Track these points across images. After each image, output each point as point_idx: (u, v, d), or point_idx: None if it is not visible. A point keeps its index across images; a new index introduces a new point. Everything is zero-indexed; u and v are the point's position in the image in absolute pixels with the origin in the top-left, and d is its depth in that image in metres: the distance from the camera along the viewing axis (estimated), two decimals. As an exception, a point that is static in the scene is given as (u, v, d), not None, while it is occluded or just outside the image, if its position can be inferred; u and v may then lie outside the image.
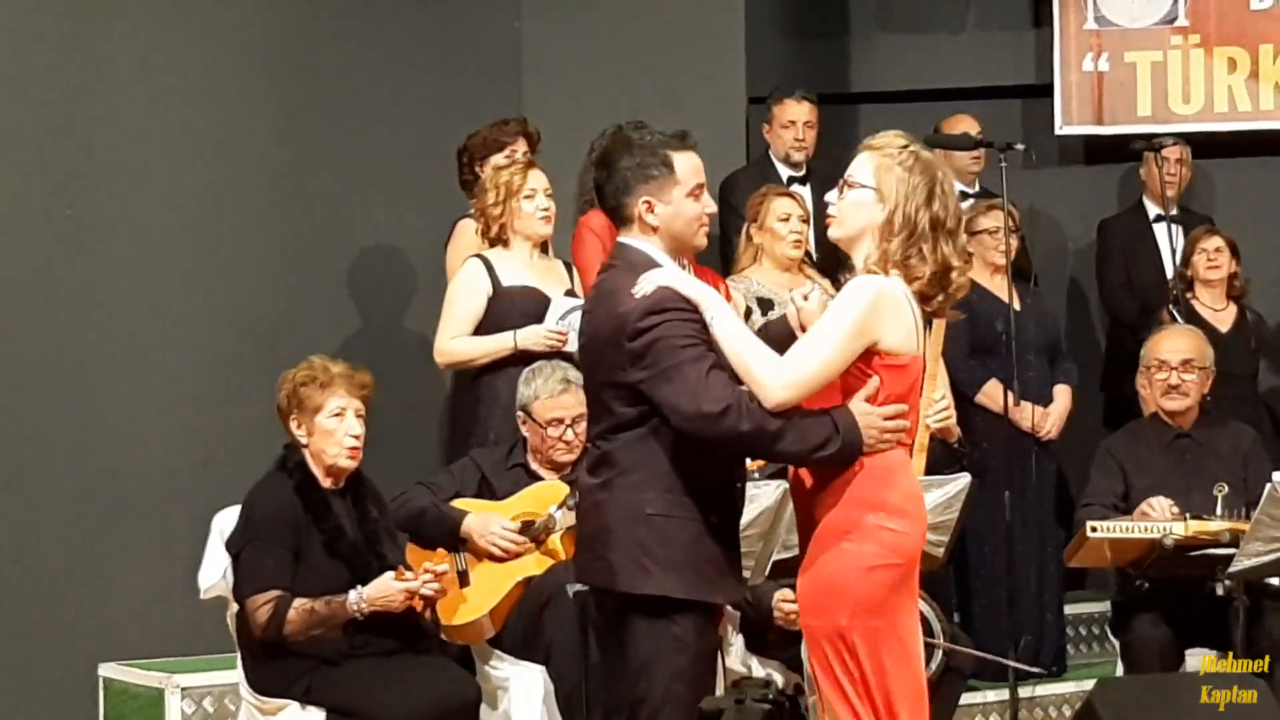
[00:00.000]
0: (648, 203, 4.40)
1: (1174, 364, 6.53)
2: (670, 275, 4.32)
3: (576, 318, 6.26)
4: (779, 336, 4.41)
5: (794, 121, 7.78)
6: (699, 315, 4.27)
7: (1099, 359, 8.39)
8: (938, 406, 6.33)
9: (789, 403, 4.21)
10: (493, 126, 7.06)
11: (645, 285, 4.29)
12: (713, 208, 4.51)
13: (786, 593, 5.80)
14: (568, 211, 6.83)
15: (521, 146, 7.00)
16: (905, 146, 4.36)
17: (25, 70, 6.75)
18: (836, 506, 4.28)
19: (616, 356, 4.31)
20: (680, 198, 4.41)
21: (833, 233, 4.49)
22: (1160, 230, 8.01)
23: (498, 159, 6.84)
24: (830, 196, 4.46)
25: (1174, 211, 7.98)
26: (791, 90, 7.86)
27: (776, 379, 4.20)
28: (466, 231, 6.78)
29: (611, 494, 4.35)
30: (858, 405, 4.26)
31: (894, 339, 4.28)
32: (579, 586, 5.27)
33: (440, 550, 5.71)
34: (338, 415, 5.37)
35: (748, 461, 5.08)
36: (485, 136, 7.01)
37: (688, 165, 4.43)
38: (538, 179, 6.45)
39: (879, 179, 4.32)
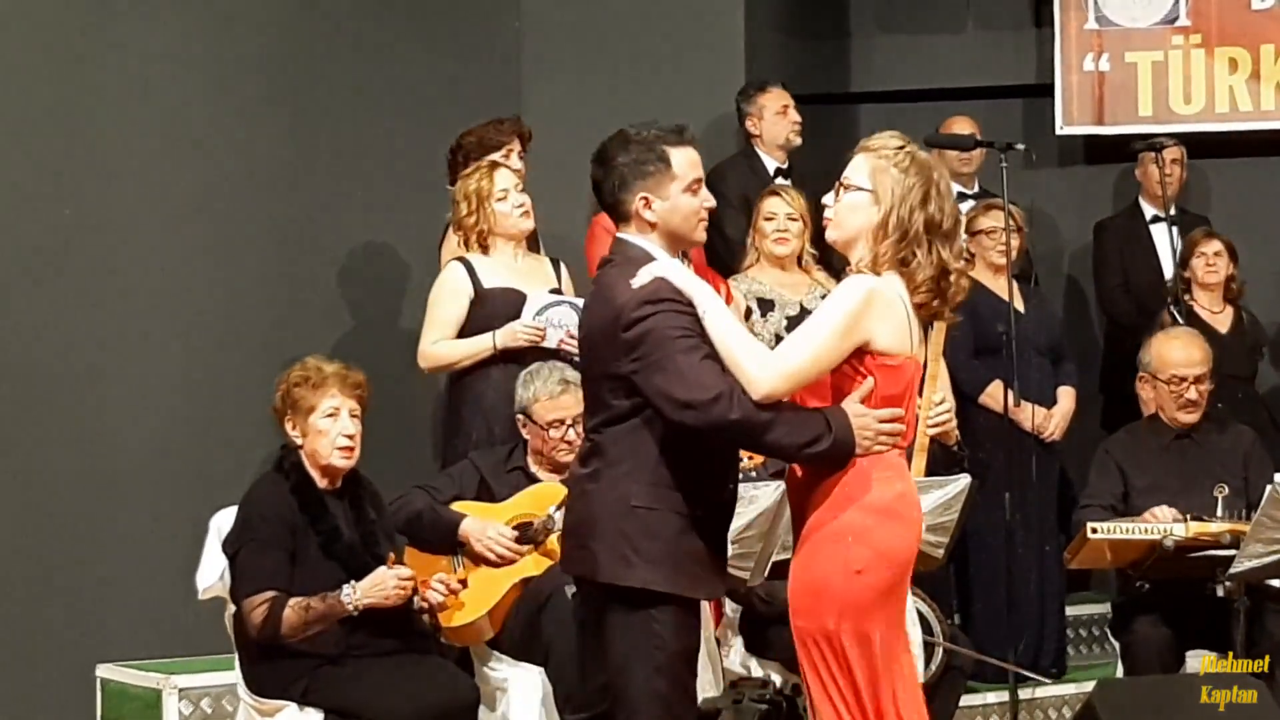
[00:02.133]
0: (645, 199, 4.41)
1: (1191, 379, 6.51)
2: (666, 268, 4.33)
3: (554, 313, 6.26)
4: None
5: (787, 106, 7.77)
6: (693, 308, 4.27)
7: (1098, 360, 8.38)
8: (939, 409, 6.31)
9: (776, 395, 4.21)
10: (487, 125, 7.05)
11: (642, 277, 4.30)
12: (711, 202, 4.51)
13: None
14: (566, 208, 6.82)
15: (516, 146, 6.98)
16: (901, 147, 4.36)
17: (22, 68, 6.74)
18: (828, 506, 4.27)
19: (612, 348, 4.33)
20: (678, 193, 4.42)
21: (829, 235, 4.50)
22: (1158, 231, 8.00)
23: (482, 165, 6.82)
24: (827, 199, 4.47)
25: (1171, 212, 7.97)
26: (771, 79, 7.85)
27: (764, 371, 4.21)
28: None
29: (598, 484, 4.37)
30: (851, 406, 4.26)
31: (886, 339, 4.27)
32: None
33: (447, 559, 5.71)
34: (331, 415, 5.36)
35: (745, 459, 5.10)
36: (480, 136, 6.99)
37: (685, 160, 4.43)
38: (505, 178, 6.43)
39: (874, 181, 4.32)
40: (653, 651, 4.29)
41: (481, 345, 6.32)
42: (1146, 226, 8.12)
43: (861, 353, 4.26)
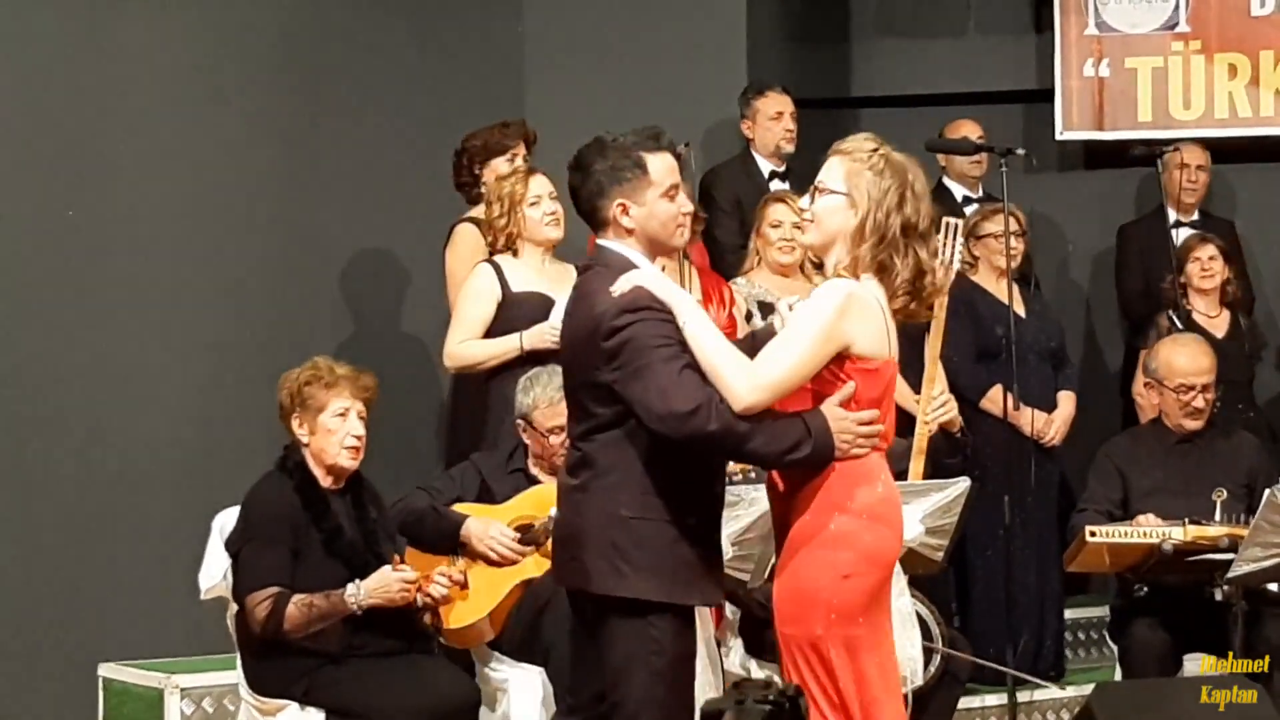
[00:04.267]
0: (622, 205, 4.40)
1: (1198, 386, 6.52)
2: (646, 277, 4.32)
3: None
4: (765, 344, 4.38)
5: (782, 113, 7.78)
6: (673, 317, 4.26)
7: (1098, 364, 8.38)
8: (937, 402, 6.33)
9: (757, 406, 4.20)
10: (492, 129, 7.05)
11: (622, 285, 4.29)
12: (689, 207, 4.51)
13: None
14: (570, 215, 6.82)
15: (521, 149, 6.99)
16: (875, 150, 4.35)
17: (28, 71, 6.75)
18: (811, 512, 4.27)
19: (592, 356, 4.32)
20: (655, 199, 4.42)
21: (806, 239, 4.52)
22: (1178, 236, 7.99)
23: (500, 165, 6.84)
24: (803, 202, 4.48)
25: (1194, 217, 7.98)
26: (771, 83, 7.87)
27: (745, 382, 4.20)
28: (465, 235, 6.78)
29: (588, 495, 4.36)
30: (831, 409, 4.25)
31: (866, 343, 4.27)
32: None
33: (447, 558, 5.72)
34: (341, 415, 5.39)
35: (731, 464, 5.11)
36: (486, 139, 7.00)
37: (662, 166, 4.43)
38: (540, 185, 6.45)
39: (850, 184, 4.31)
40: (650, 658, 4.30)
41: (508, 346, 6.33)
42: (1169, 231, 8.11)
43: (841, 357, 4.26)
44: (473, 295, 6.41)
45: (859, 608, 4.26)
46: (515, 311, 6.35)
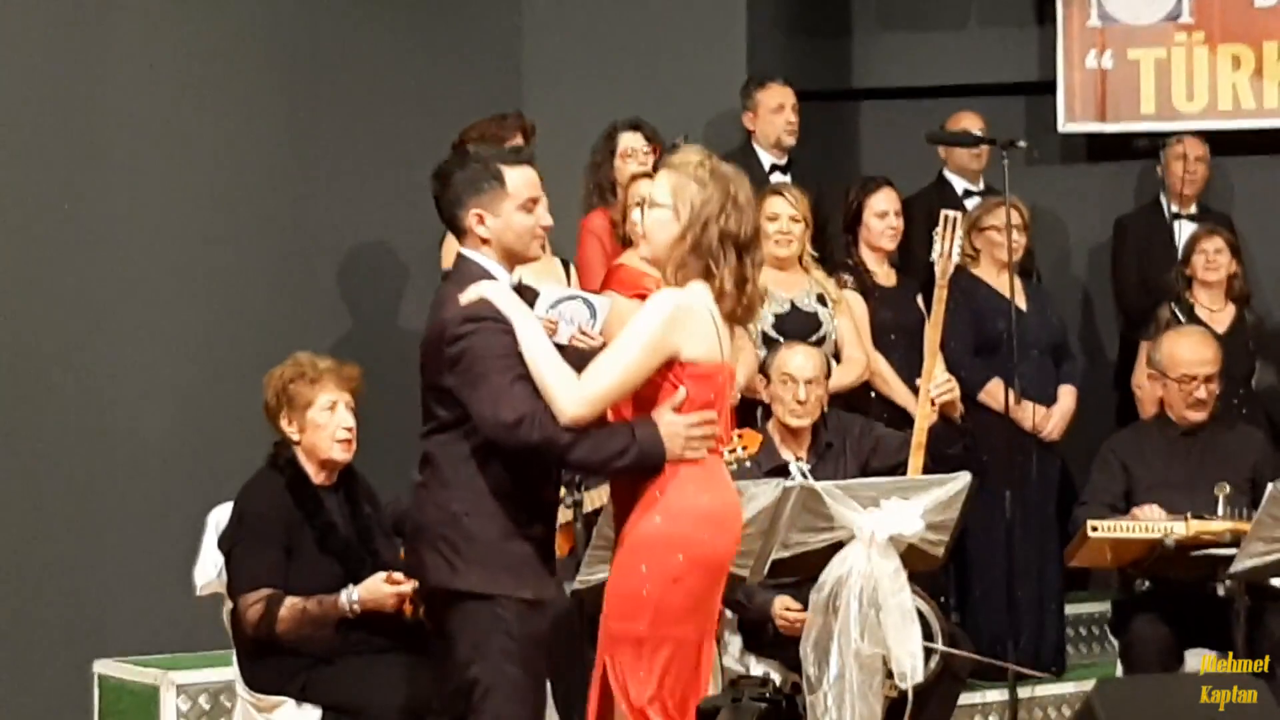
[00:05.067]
0: (479, 215, 4.59)
1: (1201, 378, 6.49)
2: (490, 289, 4.50)
3: (566, 307, 6.24)
4: (590, 355, 4.60)
5: (783, 105, 7.75)
6: (513, 329, 4.45)
7: (1101, 358, 8.36)
8: (939, 379, 6.29)
9: (584, 419, 4.39)
10: (490, 120, 7.06)
11: (469, 295, 4.48)
12: (547, 221, 4.66)
13: (788, 600, 5.79)
14: (566, 209, 6.79)
15: (519, 141, 6.98)
16: (701, 162, 4.49)
17: (24, 64, 6.73)
18: (642, 512, 4.42)
19: (437, 361, 4.54)
20: (511, 210, 4.60)
21: (640, 252, 4.68)
22: (1178, 228, 7.97)
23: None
24: (635, 216, 4.62)
25: (1193, 209, 7.95)
26: (773, 75, 7.84)
27: (570, 397, 4.38)
28: None
29: (427, 492, 4.61)
30: (662, 415, 4.41)
31: (694, 349, 4.42)
32: (576, 584, 5.27)
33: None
34: (329, 409, 5.38)
35: (741, 449, 5.19)
36: (483, 131, 7.00)
37: (521, 179, 4.61)
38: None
39: (674, 196, 4.46)
40: (498, 638, 4.48)
41: None
42: (1167, 223, 8.09)
43: (671, 363, 4.41)
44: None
45: (686, 610, 4.39)
46: None
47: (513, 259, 4.66)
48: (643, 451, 4.39)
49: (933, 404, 6.22)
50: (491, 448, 4.48)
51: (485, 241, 4.61)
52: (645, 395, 4.43)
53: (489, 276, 4.57)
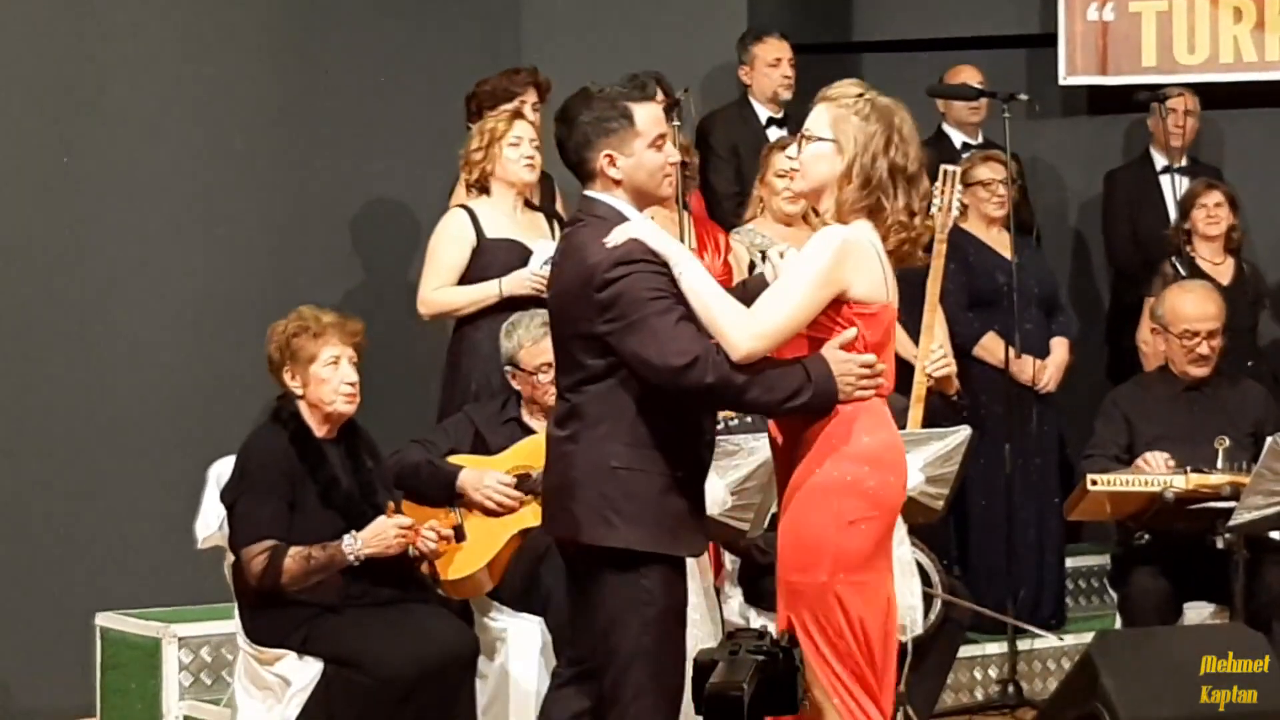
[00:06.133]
0: (609, 156, 4.37)
1: (1204, 333, 6.48)
2: (639, 229, 4.29)
3: None
4: (757, 293, 4.35)
5: (780, 59, 7.73)
6: (667, 269, 4.24)
7: (1100, 311, 8.36)
8: (935, 356, 6.30)
9: (756, 354, 4.18)
10: (503, 75, 7.06)
11: (616, 237, 4.27)
12: (677, 157, 4.50)
13: None
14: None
15: (532, 97, 6.97)
16: (861, 95, 4.33)
17: (25, 20, 6.71)
18: (813, 458, 4.23)
19: (584, 308, 4.29)
20: (642, 149, 4.38)
21: (796, 186, 4.53)
22: (1167, 182, 7.96)
23: (506, 109, 6.81)
24: (791, 151, 4.49)
25: (1182, 163, 7.93)
26: (769, 29, 7.81)
27: (743, 331, 4.17)
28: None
29: (578, 446, 4.35)
30: (831, 353, 4.23)
31: (862, 287, 4.24)
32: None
33: (442, 510, 5.70)
34: (333, 364, 5.37)
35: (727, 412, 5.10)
36: (495, 85, 7.00)
37: (648, 116, 4.40)
38: (523, 128, 6.42)
39: (836, 130, 4.29)
40: (642, 608, 4.29)
41: (487, 292, 6.30)
42: (1156, 177, 8.08)
43: (839, 303, 4.23)
44: (446, 240, 6.39)
45: (865, 555, 4.23)
46: (488, 258, 6.31)
47: (644, 199, 4.42)
48: (818, 391, 4.18)
49: (929, 379, 6.22)
50: (649, 397, 4.27)
51: (617, 183, 4.38)
52: (812, 335, 4.25)
53: (623, 219, 4.34)
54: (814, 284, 4.20)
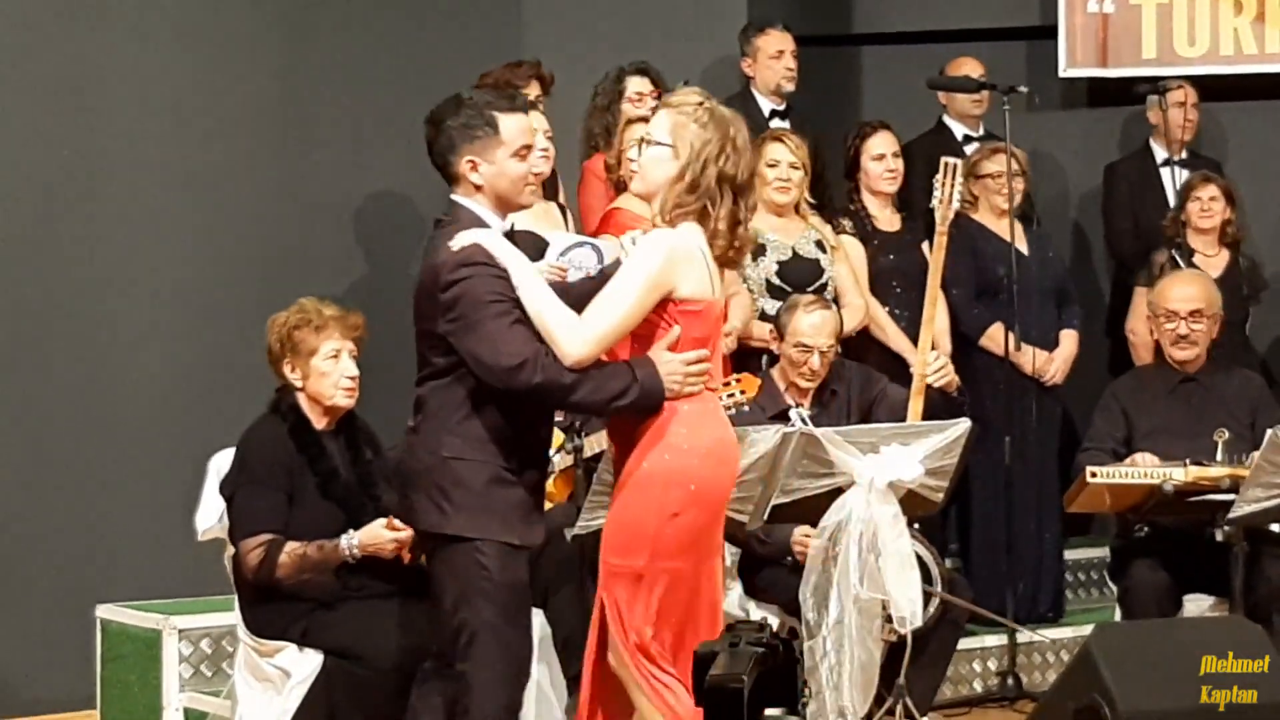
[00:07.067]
0: (472, 162, 4.61)
1: (1183, 314, 6.49)
2: (483, 235, 4.51)
3: (576, 254, 6.24)
4: (580, 294, 4.60)
5: (783, 51, 7.73)
6: (507, 274, 4.47)
7: (1100, 303, 8.36)
8: (935, 365, 6.29)
9: (586, 359, 4.44)
10: (505, 68, 7.07)
11: (460, 241, 4.48)
12: (541, 168, 4.66)
13: (806, 527, 5.79)
14: (564, 155, 6.79)
15: (535, 90, 6.96)
16: (701, 104, 4.54)
17: (26, 12, 6.70)
18: (642, 451, 4.48)
19: (431, 307, 4.54)
20: (505, 158, 4.62)
21: (634, 187, 4.76)
22: (1167, 174, 7.97)
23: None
24: (631, 153, 4.62)
25: (1183, 155, 7.93)
26: (772, 21, 7.81)
27: (574, 337, 4.43)
28: None
29: (418, 437, 4.63)
30: (658, 353, 4.47)
31: (688, 287, 4.48)
32: (577, 530, 5.29)
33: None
34: (333, 357, 5.37)
35: (738, 394, 5.26)
36: (497, 78, 7.00)
37: (514, 126, 4.62)
38: (538, 120, 6.41)
39: (674, 135, 4.52)
40: (481, 583, 4.54)
41: None
42: (1157, 169, 8.09)
43: (665, 302, 4.47)
44: None
45: (683, 544, 4.46)
46: None
47: (505, 206, 4.67)
48: (644, 390, 4.44)
49: (929, 387, 6.23)
50: (485, 393, 4.51)
51: (478, 188, 4.62)
52: (641, 334, 4.50)
53: (481, 223, 4.58)
54: (641, 288, 4.45)
